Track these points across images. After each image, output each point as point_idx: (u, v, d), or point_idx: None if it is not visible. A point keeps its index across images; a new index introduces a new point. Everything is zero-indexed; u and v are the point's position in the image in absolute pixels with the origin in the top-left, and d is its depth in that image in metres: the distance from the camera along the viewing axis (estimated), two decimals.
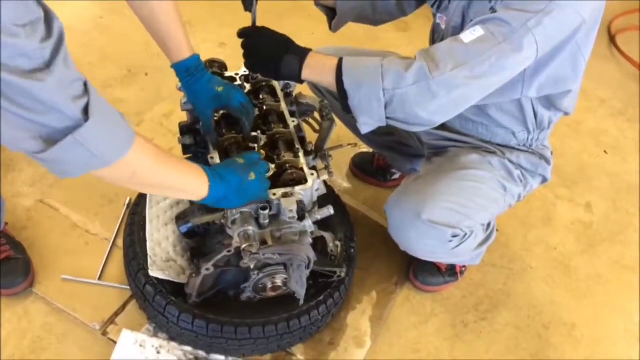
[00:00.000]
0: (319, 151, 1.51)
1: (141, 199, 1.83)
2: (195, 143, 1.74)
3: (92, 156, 0.99)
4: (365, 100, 1.35)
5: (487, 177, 1.63)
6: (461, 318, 1.91)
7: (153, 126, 2.29)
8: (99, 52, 2.59)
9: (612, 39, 3.30)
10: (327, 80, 1.39)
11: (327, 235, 1.51)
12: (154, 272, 1.62)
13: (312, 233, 1.45)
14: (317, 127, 1.60)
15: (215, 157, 1.46)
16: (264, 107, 1.57)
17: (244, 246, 1.35)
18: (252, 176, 1.34)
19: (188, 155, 1.63)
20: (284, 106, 1.58)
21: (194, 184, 1.27)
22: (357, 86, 1.35)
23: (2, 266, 1.69)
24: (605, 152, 2.63)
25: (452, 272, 1.93)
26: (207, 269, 1.53)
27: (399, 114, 1.36)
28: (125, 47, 2.59)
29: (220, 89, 1.47)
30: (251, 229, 1.37)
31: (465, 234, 1.59)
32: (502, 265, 2.08)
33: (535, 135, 1.66)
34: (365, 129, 1.41)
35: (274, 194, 1.38)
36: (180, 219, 1.65)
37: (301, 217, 1.40)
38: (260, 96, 1.61)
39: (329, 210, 1.43)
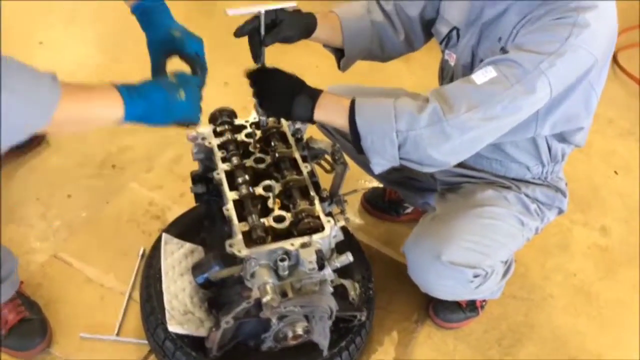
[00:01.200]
0: (333, 197, 1.50)
1: (156, 250, 1.82)
2: (207, 191, 1.74)
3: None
4: (378, 142, 1.34)
5: (504, 213, 1.61)
6: (485, 354, 1.88)
7: (163, 173, 2.28)
8: None
9: (614, 57, 3.30)
10: (339, 121, 1.39)
11: (348, 283, 1.49)
12: (172, 327, 1.60)
13: (332, 281, 1.43)
14: (328, 167, 1.59)
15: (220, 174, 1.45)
16: (276, 155, 1.56)
17: (264, 300, 1.33)
18: (182, 94, 1.25)
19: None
20: (296, 152, 1.58)
21: (105, 108, 1.16)
22: (369, 127, 1.34)
23: (18, 328, 1.67)
24: (615, 172, 2.62)
25: (472, 307, 1.91)
26: (227, 322, 1.51)
27: (412, 155, 1.35)
28: None
29: (177, 33, 1.37)
30: (271, 281, 1.35)
31: (487, 273, 1.57)
32: (523, 297, 2.05)
33: (550, 167, 1.65)
34: (378, 169, 1.41)
35: (292, 244, 1.37)
36: (196, 269, 1.65)
37: (320, 266, 1.38)
38: (272, 143, 1.60)
39: (348, 258, 1.41)
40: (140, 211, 2.11)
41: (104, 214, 2.09)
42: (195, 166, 1.70)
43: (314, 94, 1.40)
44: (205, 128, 1.65)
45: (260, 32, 1.42)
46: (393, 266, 2.05)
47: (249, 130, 1.65)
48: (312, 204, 1.46)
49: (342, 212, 1.51)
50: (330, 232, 1.40)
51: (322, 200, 1.47)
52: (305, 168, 1.55)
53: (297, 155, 1.57)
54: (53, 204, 2.12)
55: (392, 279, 1.98)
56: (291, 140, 1.62)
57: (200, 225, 1.88)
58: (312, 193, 1.48)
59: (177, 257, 1.81)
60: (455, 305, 1.89)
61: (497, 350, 1.89)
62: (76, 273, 1.91)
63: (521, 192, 1.66)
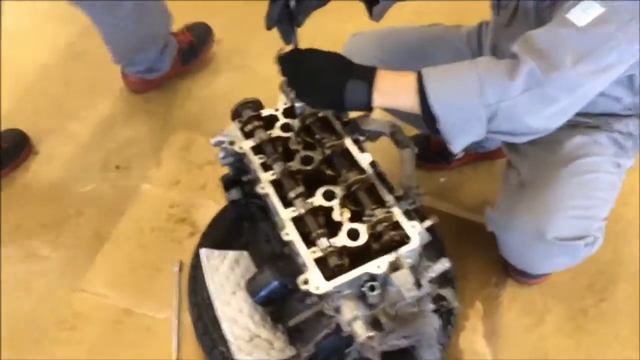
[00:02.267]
0: (409, 191, 1.23)
1: (196, 269, 1.59)
2: (244, 195, 1.48)
3: None
4: (462, 122, 1.09)
5: (600, 162, 1.37)
6: (578, 306, 1.70)
7: (175, 164, 1.98)
8: (83, 86, 2.24)
9: None
10: (407, 104, 1.12)
11: (449, 293, 1.26)
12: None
13: (428, 294, 1.20)
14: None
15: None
16: (326, 150, 1.28)
17: (360, 340, 1.10)
18: None
19: None
20: (349, 142, 1.29)
21: None
22: (449, 108, 1.08)
23: None
24: None
25: None
26: (308, 351, 1.31)
27: (504, 126, 1.10)
28: (109, 72, 2.22)
29: None
30: (360, 314, 1.12)
31: (595, 238, 1.34)
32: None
33: None
34: (458, 149, 1.15)
35: (379, 267, 1.13)
36: (253, 288, 1.42)
37: (418, 286, 1.15)
38: (316, 135, 1.31)
39: (444, 265, 1.17)
40: (163, 216, 1.84)
41: (122, 229, 1.82)
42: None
43: (369, 75, 1.12)
44: (230, 129, 1.35)
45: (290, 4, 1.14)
46: (456, 224, 1.82)
47: (283, 120, 1.36)
48: (385, 206, 1.20)
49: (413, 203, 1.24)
50: (419, 242, 1.16)
51: (397, 199, 1.21)
52: (365, 160, 1.27)
53: (351, 146, 1.29)
54: (61, 227, 1.84)
55: (459, 241, 1.75)
56: (337, 125, 1.33)
57: (238, 227, 1.63)
58: (387, 196, 1.21)
59: (224, 272, 1.58)
60: None
61: (591, 298, 1.70)
62: (111, 306, 1.67)
63: (613, 130, 1.40)
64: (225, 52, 2.35)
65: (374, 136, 1.32)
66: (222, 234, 1.66)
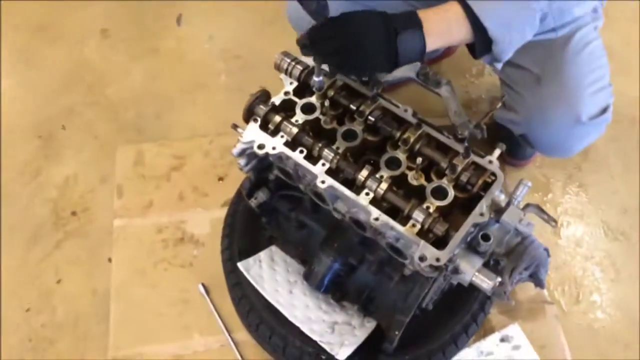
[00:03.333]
0: (464, 127, 1.18)
1: (236, 288, 1.46)
2: (271, 193, 1.36)
3: None
4: (518, 35, 1.11)
5: (587, 31, 1.40)
6: (571, 166, 1.83)
7: (137, 185, 1.73)
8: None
9: None
10: (459, 37, 1.11)
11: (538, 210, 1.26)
12: (342, 355, 1.34)
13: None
14: None
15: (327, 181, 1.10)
16: (369, 118, 1.18)
17: (492, 290, 1.09)
18: None
19: None
20: (384, 102, 1.20)
21: None
22: (506, 27, 1.08)
23: None
24: None
25: None
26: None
27: (551, 24, 1.23)
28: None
29: None
30: (479, 264, 1.10)
31: (610, 104, 1.40)
32: None
33: None
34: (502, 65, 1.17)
35: (482, 214, 1.09)
36: (314, 279, 1.39)
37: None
38: (349, 105, 1.20)
39: (526, 186, 1.15)
40: (157, 246, 1.63)
41: (119, 278, 1.59)
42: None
43: (416, 21, 1.06)
44: (248, 131, 1.19)
45: None
46: None
47: (303, 101, 1.22)
48: (455, 153, 1.15)
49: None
50: (502, 175, 1.13)
51: (461, 141, 1.16)
52: (409, 114, 1.19)
53: (388, 105, 1.20)
54: (47, 299, 1.58)
55: None
56: (361, 88, 1.22)
57: (258, 224, 1.51)
58: (448, 141, 1.16)
59: (268, 277, 1.47)
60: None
61: (578, 155, 1.80)
62: None
63: None
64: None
65: (400, 83, 1.24)
66: (245, 238, 1.52)
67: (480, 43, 1.09)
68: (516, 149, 1.75)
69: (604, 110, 1.36)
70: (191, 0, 2.20)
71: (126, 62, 2.05)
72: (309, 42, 1.04)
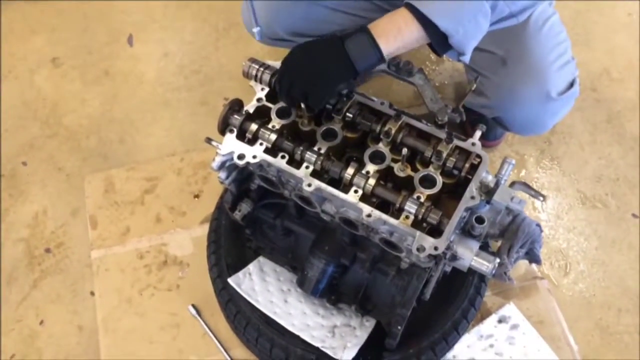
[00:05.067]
0: (442, 113, 1.17)
1: (230, 304, 1.42)
2: (255, 203, 1.33)
3: None
4: (472, 26, 1.11)
5: (544, 8, 1.42)
6: (541, 140, 1.84)
7: (110, 213, 1.68)
8: None
9: None
10: (412, 37, 1.11)
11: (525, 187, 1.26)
12: (348, 356, 1.32)
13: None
14: None
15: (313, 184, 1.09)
16: (346, 115, 1.16)
17: (492, 271, 1.09)
18: None
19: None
20: (359, 97, 1.19)
21: None
22: (458, 20, 1.09)
23: None
24: None
25: None
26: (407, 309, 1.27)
27: (505, 10, 1.17)
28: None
29: None
30: (475, 248, 1.10)
31: (576, 77, 1.42)
32: None
33: None
34: (469, 58, 1.17)
35: (473, 198, 1.09)
36: (308, 285, 1.37)
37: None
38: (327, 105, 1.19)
39: (510, 164, 1.16)
40: (140, 272, 1.58)
41: (105, 311, 1.53)
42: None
43: (359, 29, 1.10)
44: (226, 143, 1.16)
45: None
46: None
47: (277, 106, 1.20)
48: (437, 140, 1.15)
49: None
50: (487, 156, 1.13)
51: (441, 127, 1.16)
52: (385, 106, 1.18)
53: (364, 99, 1.19)
54: (32, 343, 1.51)
55: None
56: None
57: (243, 236, 1.48)
58: (429, 129, 1.15)
59: (260, 289, 1.44)
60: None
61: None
62: None
63: None
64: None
65: (372, 76, 1.23)
66: (231, 254, 1.48)
67: (437, 40, 1.11)
68: (487, 130, 1.76)
69: (571, 84, 1.38)
70: (139, 17, 2.15)
71: (81, 89, 1.98)
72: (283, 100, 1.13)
